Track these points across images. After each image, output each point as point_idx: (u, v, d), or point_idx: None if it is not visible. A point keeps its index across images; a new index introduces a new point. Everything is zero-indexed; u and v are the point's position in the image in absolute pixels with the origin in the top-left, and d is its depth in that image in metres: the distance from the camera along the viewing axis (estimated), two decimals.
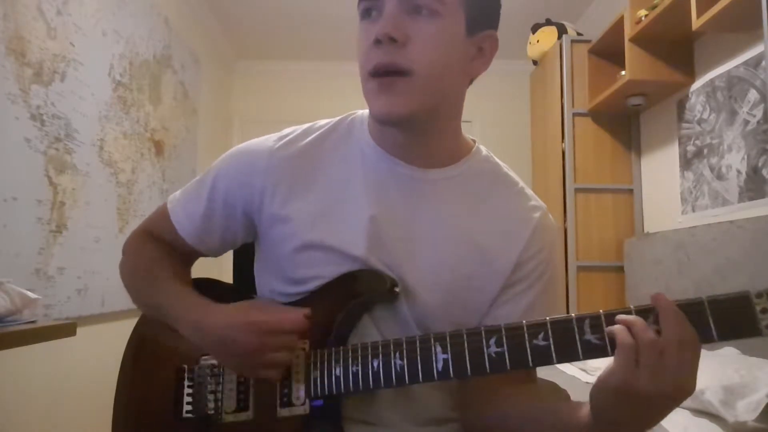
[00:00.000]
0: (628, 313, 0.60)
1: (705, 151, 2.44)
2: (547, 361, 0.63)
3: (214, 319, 0.74)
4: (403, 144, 0.80)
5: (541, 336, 0.62)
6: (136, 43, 2.59)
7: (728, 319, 0.56)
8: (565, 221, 3.05)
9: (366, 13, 0.76)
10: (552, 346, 0.62)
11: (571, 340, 0.61)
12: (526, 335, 0.63)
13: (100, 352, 2.15)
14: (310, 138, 0.85)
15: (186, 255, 0.92)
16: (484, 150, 0.88)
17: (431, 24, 0.72)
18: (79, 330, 1.27)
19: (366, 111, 0.85)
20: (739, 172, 2.21)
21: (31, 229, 1.82)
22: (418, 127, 0.78)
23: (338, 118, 0.88)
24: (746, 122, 2.17)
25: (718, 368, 1.61)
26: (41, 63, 1.86)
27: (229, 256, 1.08)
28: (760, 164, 2.09)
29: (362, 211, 0.79)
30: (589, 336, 0.61)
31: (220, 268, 1.18)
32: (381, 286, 0.76)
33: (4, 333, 1.07)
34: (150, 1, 2.75)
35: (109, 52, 2.33)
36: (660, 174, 2.86)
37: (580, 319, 0.61)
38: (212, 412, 0.79)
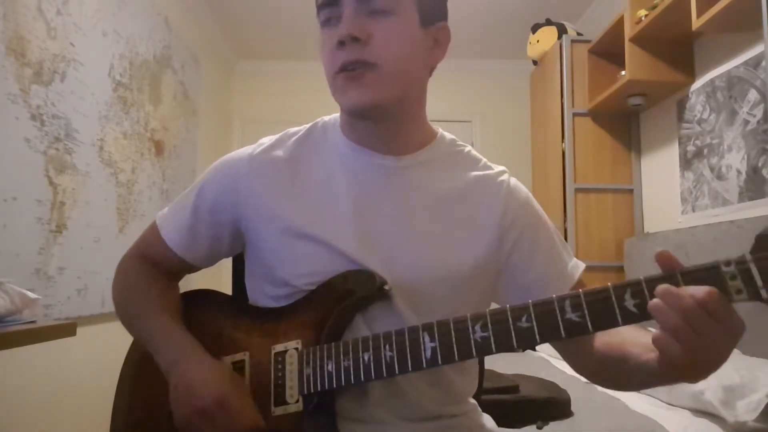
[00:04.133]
0: (606, 292, 0.61)
1: (705, 151, 2.44)
2: (531, 343, 0.64)
3: (188, 367, 0.77)
4: (375, 135, 0.85)
5: (524, 318, 0.64)
6: (136, 43, 2.60)
7: None
8: (565, 221, 3.05)
9: (326, 22, 0.80)
10: (535, 328, 0.63)
11: (554, 320, 0.63)
12: (509, 319, 0.65)
13: (100, 352, 2.15)
14: (287, 143, 0.89)
15: (176, 270, 0.94)
16: (448, 136, 0.93)
17: (388, 21, 0.77)
18: (79, 330, 1.27)
19: (334, 115, 0.91)
20: (739, 172, 2.21)
21: (31, 229, 1.82)
22: (387, 117, 0.82)
23: (309, 124, 0.92)
24: (746, 122, 2.17)
25: None
26: (41, 63, 1.86)
27: (228, 268, 1.09)
28: (760, 164, 2.09)
29: (346, 205, 0.82)
30: (570, 315, 0.62)
31: (219, 279, 1.19)
32: (370, 286, 0.77)
33: (4, 333, 1.07)
34: (150, 1, 2.75)
35: (109, 52, 2.34)
36: (660, 174, 2.86)
37: (561, 299, 0.63)
38: None
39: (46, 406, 1.92)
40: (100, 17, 2.25)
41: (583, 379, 2.26)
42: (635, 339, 0.70)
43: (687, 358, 0.56)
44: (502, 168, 0.91)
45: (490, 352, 0.66)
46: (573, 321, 0.62)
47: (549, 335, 0.63)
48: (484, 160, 0.92)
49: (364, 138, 0.85)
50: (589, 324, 0.61)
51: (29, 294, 1.23)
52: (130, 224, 2.48)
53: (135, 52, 2.58)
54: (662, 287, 0.57)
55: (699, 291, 0.55)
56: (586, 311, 0.62)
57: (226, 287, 1.10)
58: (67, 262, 2.00)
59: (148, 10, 2.73)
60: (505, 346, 0.65)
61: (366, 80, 0.77)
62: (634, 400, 1.77)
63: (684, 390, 1.60)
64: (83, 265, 2.11)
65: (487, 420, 0.92)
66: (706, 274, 0.57)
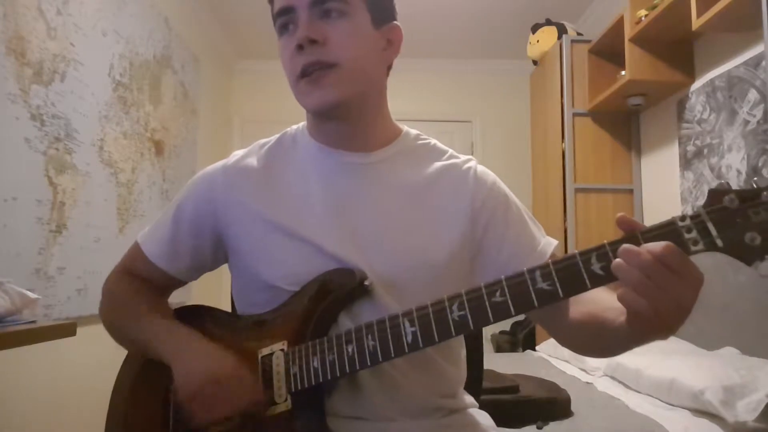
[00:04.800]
0: (573, 258, 0.63)
1: (705, 151, 2.44)
2: (506, 315, 0.67)
3: (191, 354, 0.79)
4: (342, 135, 0.87)
5: (498, 293, 0.67)
6: (136, 43, 2.60)
7: None
8: (565, 221, 3.05)
9: (283, 29, 0.84)
10: (509, 300, 0.66)
11: (526, 291, 0.65)
12: (484, 295, 0.67)
13: (100, 352, 2.15)
14: (259, 152, 0.92)
15: (162, 284, 0.95)
16: (413, 131, 0.95)
17: (343, 22, 0.81)
18: (79, 330, 1.27)
19: (301, 123, 0.95)
20: (739, 172, 2.21)
21: (31, 229, 1.82)
22: (351, 116, 0.85)
23: (277, 135, 0.95)
24: (746, 122, 2.17)
25: (718, 368, 1.61)
26: (41, 63, 1.86)
27: (227, 280, 1.09)
28: (760, 164, 2.09)
29: (321, 204, 0.85)
30: (541, 284, 0.64)
31: (219, 291, 1.18)
32: (351, 283, 0.79)
33: (4, 333, 1.08)
34: (150, 1, 2.75)
35: (109, 52, 2.34)
36: (660, 174, 2.86)
37: (531, 271, 0.65)
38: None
39: (46, 406, 1.92)
40: (100, 17, 2.25)
41: (583, 379, 2.27)
42: (611, 304, 0.72)
43: (652, 312, 0.58)
44: (468, 156, 0.93)
45: (469, 330, 0.69)
46: (544, 290, 0.64)
47: (523, 306, 0.66)
48: (451, 150, 0.94)
49: (332, 138, 0.88)
50: (559, 290, 0.64)
51: (29, 294, 1.24)
52: (130, 224, 2.48)
53: (135, 52, 2.58)
54: (623, 247, 0.60)
55: (656, 246, 0.58)
56: (555, 279, 0.64)
57: (226, 299, 1.10)
58: (67, 262, 2.00)
59: (148, 10, 2.73)
60: (482, 321, 0.68)
61: (327, 81, 0.80)
62: (634, 400, 1.77)
63: (684, 390, 1.60)
64: (83, 265, 2.11)
65: (485, 417, 0.93)
66: (664, 230, 0.61)
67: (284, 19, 0.82)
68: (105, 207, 2.30)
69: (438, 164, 0.90)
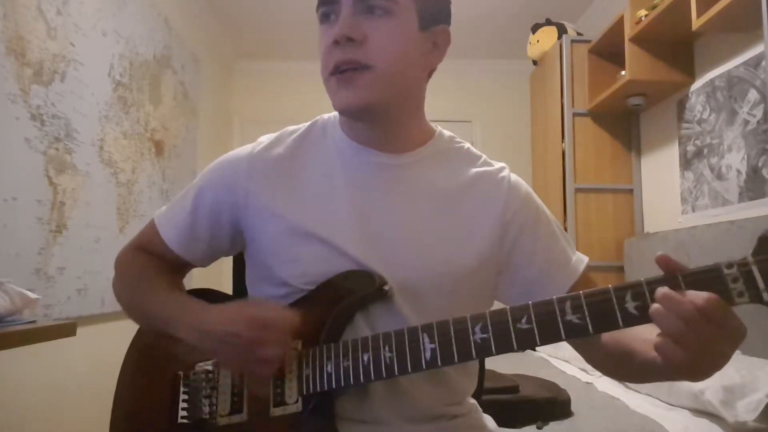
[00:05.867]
0: (607, 293, 0.61)
1: (705, 151, 2.44)
2: (532, 344, 0.64)
3: (213, 317, 0.75)
4: (373, 134, 0.84)
5: (524, 320, 0.64)
6: (136, 43, 2.59)
7: (703, 290, 0.57)
8: (565, 221, 3.05)
9: (325, 18, 0.80)
10: (535, 329, 0.63)
11: (554, 322, 0.63)
12: (509, 320, 0.65)
13: (100, 352, 2.15)
14: (286, 141, 0.89)
15: (176, 267, 0.93)
16: (446, 133, 0.93)
17: (385, 22, 0.77)
18: (79, 330, 1.27)
19: (333, 113, 0.90)
20: (739, 172, 2.21)
21: (31, 229, 1.82)
22: (381, 118, 0.82)
23: (308, 123, 0.92)
24: (746, 122, 2.17)
25: None
26: (41, 63, 1.86)
27: (228, 268, 1.08)
28: (760, 164, 2.09)
29: (345, 203, 0.82)
30: (570, 316, 0.62)
31: (220, 278, 1.18)
32: (370, 286, 0.77)
33: (4, 333, 1.07)
34: (150, 1, 2.75)
35: (109, 52, 2.33)
36: (660, 174, 2.86)
37: (561, 301, 0.63)
38: (207, 416, 0.81)
39: (46, 406, 1.92)
40: (100, 17, 2.25)
41: (583, 379, 2.27)
42: (640, 334, 0.70)
43: (688, 361, 0.57)
44: (502, 164, 0.90)
45: (490, 354, 0.66)
46: (573, 323, 0.62)
47: (549, 337, 0.63)
48: (484, 156, 0.91)
49: (363, 136, 0.85)
50: (589, 326, 0.62)
51: (29, 294, 1.23)
52: (130, 224, 2.48)
53: (135, 52, 2.58)
54: (662, 292, 0.57)
55: (699, 297, 0.55)
56: (586, 313, 0.61)
57: (227, 287, 1.09)
58: (67, 262, 2.00)
59: (148, 10, 2.73)
60: (505, 347, 0.65)
61: (358, 82, 0.77)
62: (634, 400, 1.77)
63: (684, 390, 1.60)
64: (83, 265, 2.10)
65: (488, 420, 0.92)
66: (708, 276, 0.57)
67: (326, 9, 0.79)
68: (105, 207, 2.29)
69: (471, 170, 0.87)
